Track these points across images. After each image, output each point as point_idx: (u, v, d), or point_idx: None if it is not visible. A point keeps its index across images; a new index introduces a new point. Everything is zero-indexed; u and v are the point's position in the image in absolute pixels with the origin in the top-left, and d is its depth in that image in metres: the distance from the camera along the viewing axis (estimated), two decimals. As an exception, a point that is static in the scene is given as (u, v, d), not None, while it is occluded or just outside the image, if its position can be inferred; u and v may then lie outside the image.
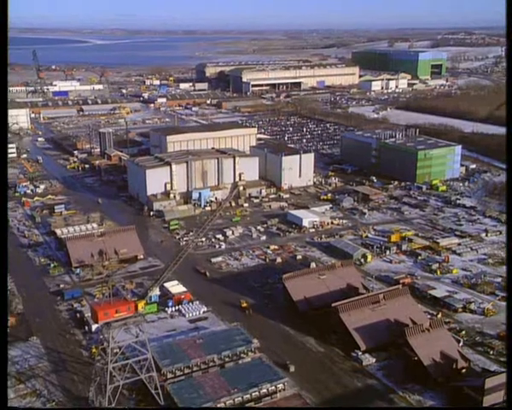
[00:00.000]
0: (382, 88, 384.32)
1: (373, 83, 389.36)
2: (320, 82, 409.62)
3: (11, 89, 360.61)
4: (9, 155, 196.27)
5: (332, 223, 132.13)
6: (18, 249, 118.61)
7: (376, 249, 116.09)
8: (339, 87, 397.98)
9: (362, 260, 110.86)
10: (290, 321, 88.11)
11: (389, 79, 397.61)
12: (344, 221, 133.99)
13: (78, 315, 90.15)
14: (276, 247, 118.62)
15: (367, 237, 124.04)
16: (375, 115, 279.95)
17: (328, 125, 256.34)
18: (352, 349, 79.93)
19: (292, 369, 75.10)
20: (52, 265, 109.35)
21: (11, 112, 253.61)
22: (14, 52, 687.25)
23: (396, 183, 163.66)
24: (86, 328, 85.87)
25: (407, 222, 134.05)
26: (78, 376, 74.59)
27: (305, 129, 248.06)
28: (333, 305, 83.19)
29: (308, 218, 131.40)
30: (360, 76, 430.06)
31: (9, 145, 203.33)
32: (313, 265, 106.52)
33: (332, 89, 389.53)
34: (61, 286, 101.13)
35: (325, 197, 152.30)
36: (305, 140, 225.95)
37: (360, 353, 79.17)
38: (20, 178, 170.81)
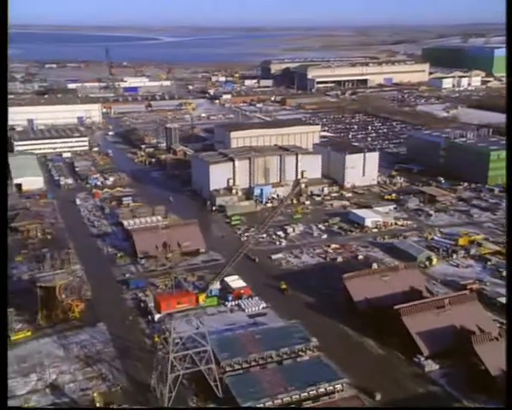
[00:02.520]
0: (454, 86, 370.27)
1: (444, 80, 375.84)
2: (387, 79, 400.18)
3: (86, 84, 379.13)
4: (82, 148, 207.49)
5: (396, 223, 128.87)
6: (88, 238, 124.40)
7: (442, 253, 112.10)
8: (407, 84, 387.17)
9: (426, 262, 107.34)
10: (350, 321, 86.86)
11: (461, 77, 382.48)
12: (408, 222, 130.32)
13: (142, 304, 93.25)
14: (337, 246, 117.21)
15: (432, 239, 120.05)
16: (445, 114, 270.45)
17: (394, 123, 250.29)
18: (414, 354, 77.66)
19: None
20: (119, 254, 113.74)
21: (85, 106, 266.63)
22: (88, 49, 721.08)
23: (465, 184, 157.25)
24: (149, 317, 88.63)
25: (476, 225, 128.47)
26: (141, 363, 77.06)
27: (370, 127, 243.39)
28: (395, 307, 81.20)
29: (371, 217, 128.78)
30: (430, 73, 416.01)
31: (82, 138, 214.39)
32: (375, 265, 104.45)
33: (400, 86, 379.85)
34: (127, 275, 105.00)
35: (389, 197, 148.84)
36: (369, 138, 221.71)
37: (422, 358, 76.85)
38: (92, 170, 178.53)
